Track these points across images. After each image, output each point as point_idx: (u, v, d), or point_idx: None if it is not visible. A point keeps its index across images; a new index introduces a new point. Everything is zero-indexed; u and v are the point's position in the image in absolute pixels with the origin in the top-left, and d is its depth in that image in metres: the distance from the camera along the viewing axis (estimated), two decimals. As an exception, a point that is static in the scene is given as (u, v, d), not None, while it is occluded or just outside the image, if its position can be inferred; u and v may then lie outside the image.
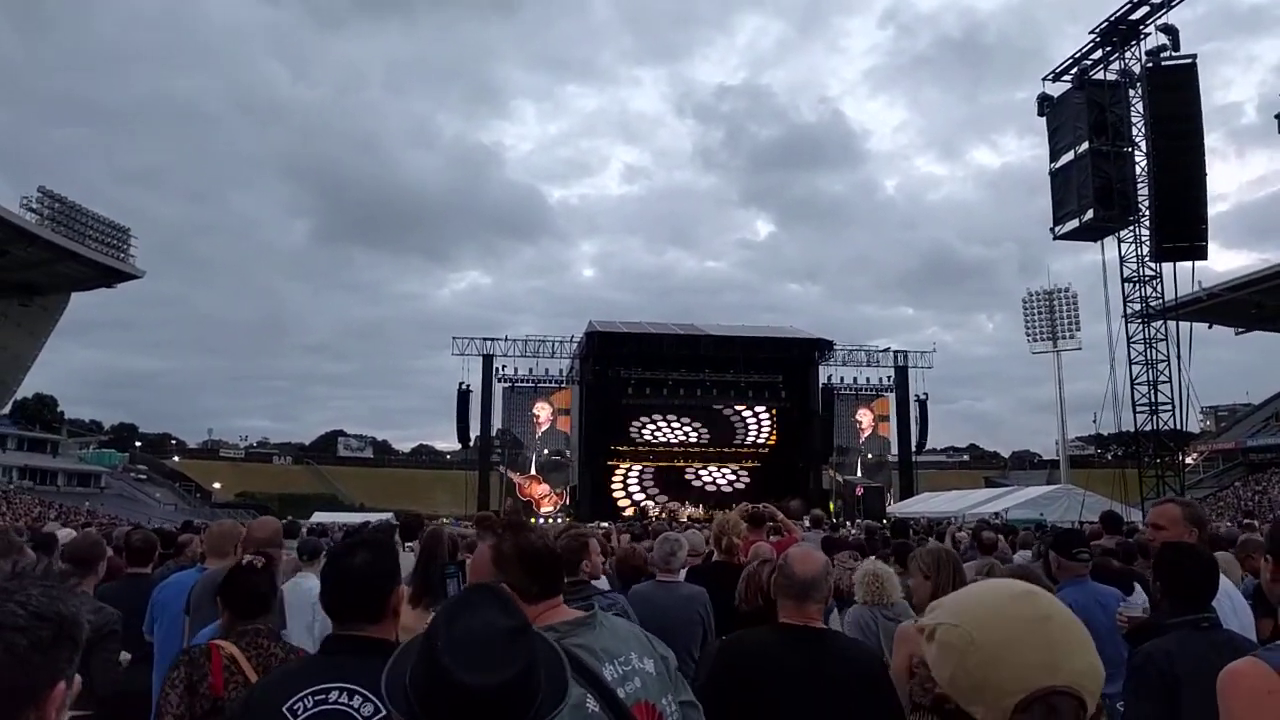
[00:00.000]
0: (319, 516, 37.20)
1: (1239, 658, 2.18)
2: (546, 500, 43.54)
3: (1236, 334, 51.10)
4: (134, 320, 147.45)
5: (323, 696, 1.93)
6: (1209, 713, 2.54)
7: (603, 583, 4.91)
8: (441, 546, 4.99)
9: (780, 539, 7.30)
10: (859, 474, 45.38)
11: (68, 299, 56.66)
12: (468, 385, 43.48)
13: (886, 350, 48.68)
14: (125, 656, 4.01)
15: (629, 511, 40.99)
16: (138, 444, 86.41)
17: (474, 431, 44.25)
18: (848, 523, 25.88)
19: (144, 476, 72.03)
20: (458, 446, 51.52)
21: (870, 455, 47.34)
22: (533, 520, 36.66)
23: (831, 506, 40.64)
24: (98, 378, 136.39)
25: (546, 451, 44.75)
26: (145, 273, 57.77)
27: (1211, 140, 31.84)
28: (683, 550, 5.17)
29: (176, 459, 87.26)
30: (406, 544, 7.15)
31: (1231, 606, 3.40)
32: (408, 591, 2.72)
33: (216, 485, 75.16)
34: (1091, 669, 1.06)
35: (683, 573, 5.19)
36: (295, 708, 1.92)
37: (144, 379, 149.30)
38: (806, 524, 10.93)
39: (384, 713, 1.88)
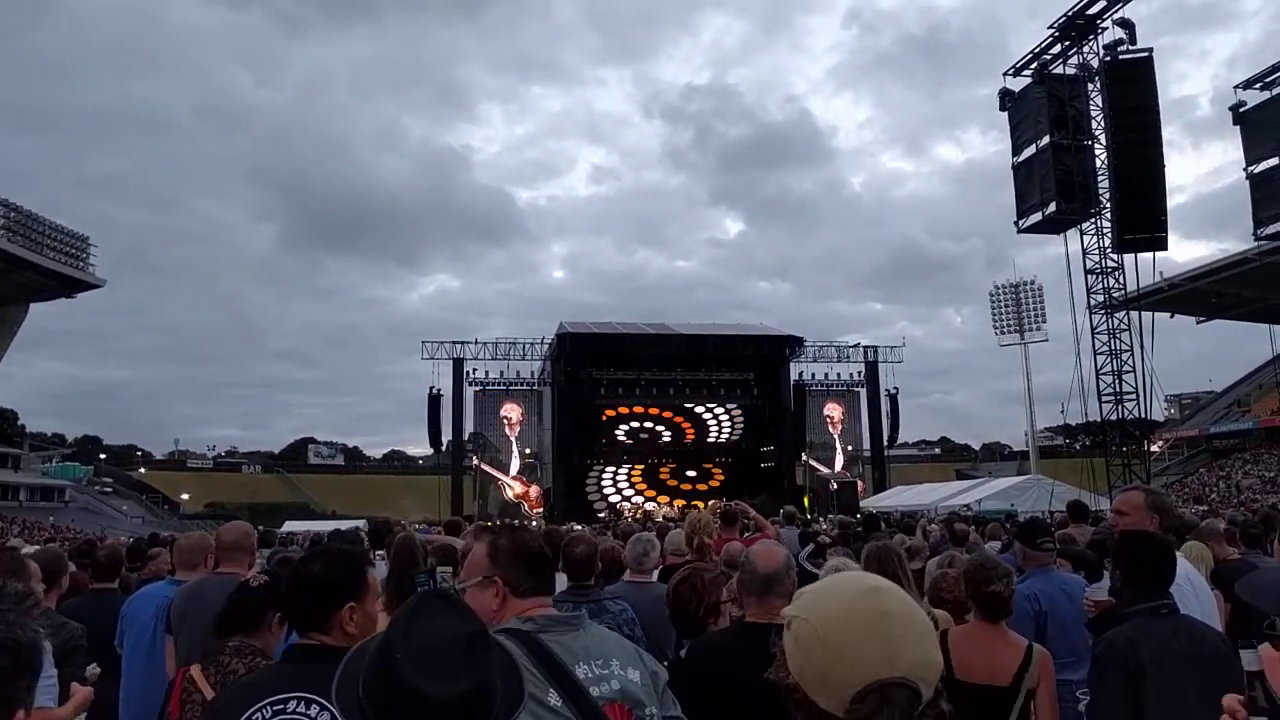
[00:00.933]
0: (290, 525, 36.66)
1: (1203, 642, 2.22)
2: (538, 502, 43.35)
3: (1198, 323, 51.97)
4: (96, 330, 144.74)
5: (281, 706, 1.93)
6: (1172, 697, 2.58)
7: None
8: (413, 553, 4.96)
9: (753, 536, 7.32)
10: (835, 469, 45.61)
11: (26, 310, 55.46)
12: (438, 389, 43.23)
13: (857, 346, 49.09)
14: (94, 670, 3.94)
15: (603, 513, 40.93)
16: (102, 456, 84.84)
17: (446, 435, 44.02)
18: (820, 519, 25.99)
19: (109, 489, 70.79)
20: (429, 451, 51.23)
21: (847, 449, 47.57)
22: (526, 521, 36.61)
23: (806, 502, 40.86)
24: (60, 390, 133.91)
25: (529, 451, 44.54)
26: (106, 282, 56.74)
27: (1168, 133, 32.68)
28: (655, 551, 5.16)
29: (143, 470, 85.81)
30: (377, 551, 7.11)
31: (1193, 591, 3.43)
32: (382, 600, 2.70)
33: (184, 496, 74.04)
34: (928, 661, 1.13)
35: (655, 573, 5.19)
36: (254, 718, 1.92)
37: (108, 390, 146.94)
38: (781, 520, 10.98)
39: None
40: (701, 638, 3.10)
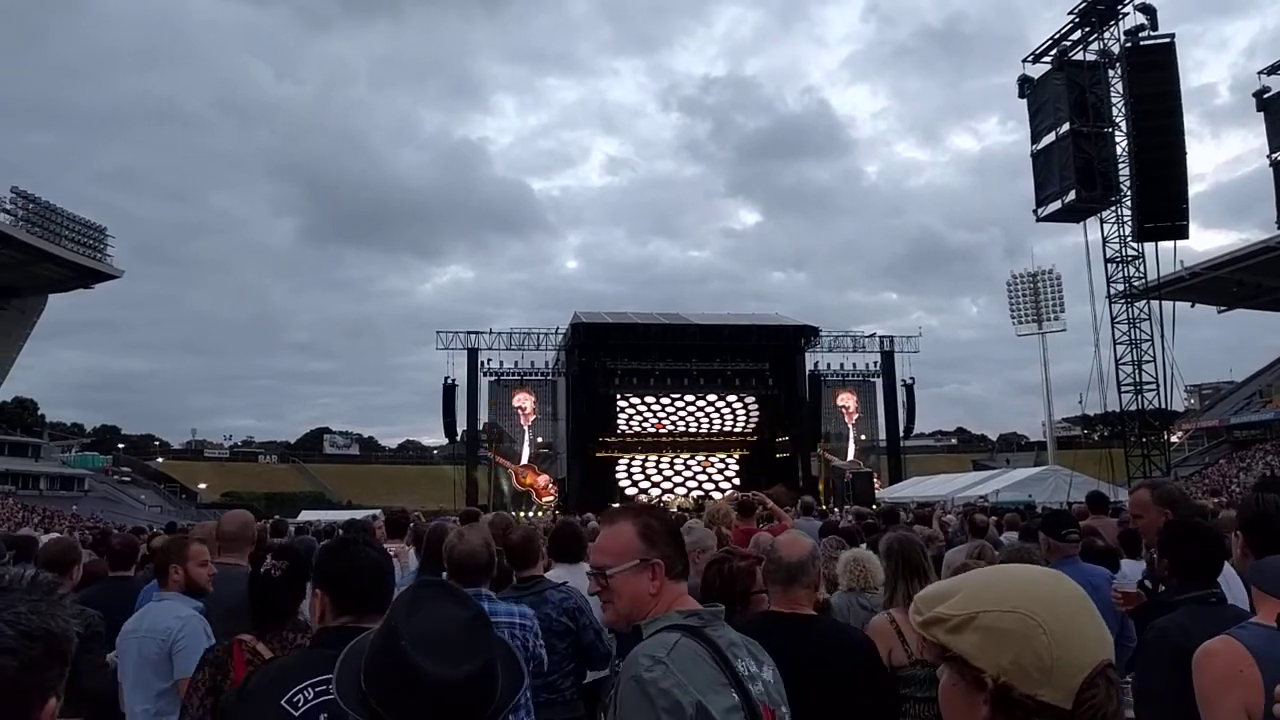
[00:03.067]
0: (306, 515, 37.01)
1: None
2: (546, 491, 43.38)
3: (1219, 312, 51.46)
4: (114, 321, 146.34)
5: (324, 688, 1.90)
6: None
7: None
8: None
9: (772, 526, 7.27)
10: (848, 459, 45.45)
11: (45, 301, 56.05)
12: (453, 379, 43.31)
13: (873, 336, 48.86)
14: (112, 657, 3.94)
15: (617, 504, 40.98)
16: (121, 446, 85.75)
17: (460, 426, 44.11)
18: (836, 509, 25.91)
19: (128, 479, 71.54)
20: (444, 441, 51.37)
21: (861, 439, 47.35)
22: (530, 512, 36.66)
23: (821, 490, 40.77)
24: (79, 380, 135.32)
25: (540, 440, 44.58)
26: (124, 273, 57.28)
27: (1187, 122, 32.16)
28: (709, 540, 5.10)
29: (160, 460, 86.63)
30: (395, 540, 7.17)
31: (1232, 582, 3.38)
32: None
33: (202, 486, 74.64)
34: (1111, 640, 1.12)
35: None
36: (296, 699, 1.91)
37: (126, 380, 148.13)
38: (798, 510, 10.90)
39: None
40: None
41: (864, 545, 6.20)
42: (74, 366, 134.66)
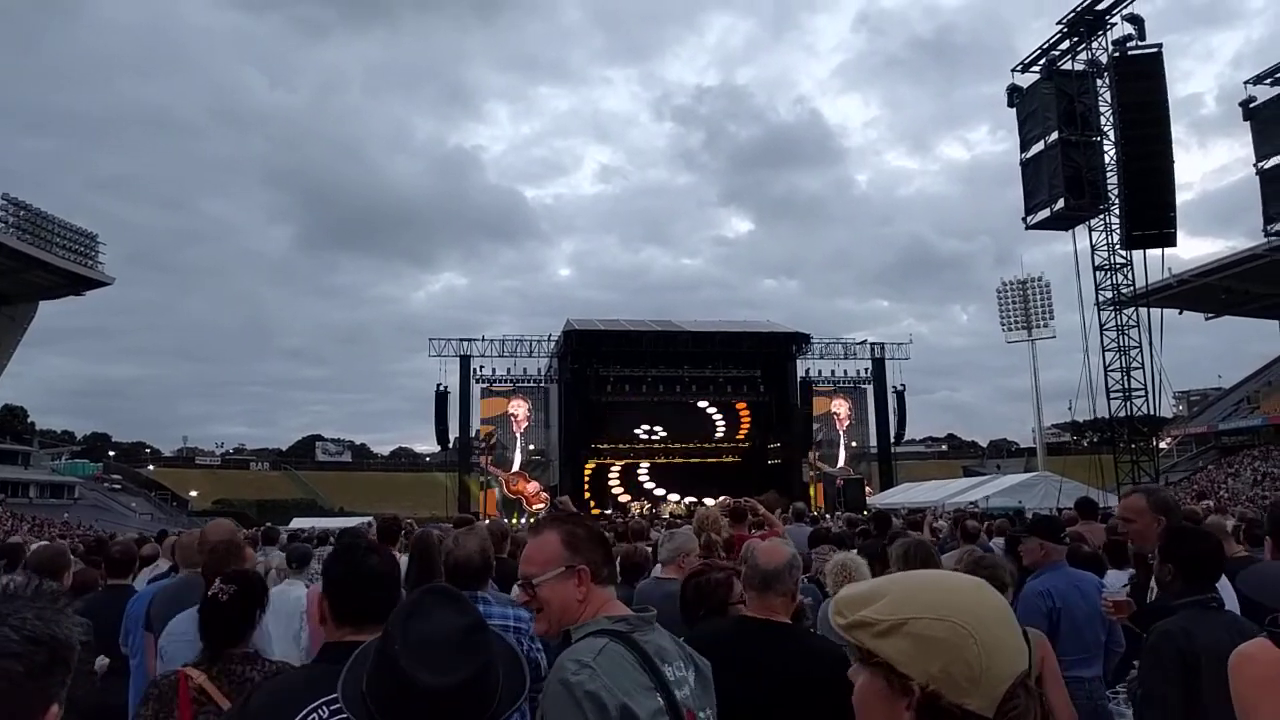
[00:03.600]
0: (298, 522, 36.85)
1: (1249, 638, 2.23)
2: (537, 498, 43.30)
3: (1206, 319, 51.72)
4: (106, 328, 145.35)
5: (338, 706, 1.81)
6: (1228, 690, 2.57)
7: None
8: (434, 551, 4.95)
9: (764, 532, 7.28)
10: (840, 465, 45.52)
11: (36, 308, 55.72)
12: (445, 387, 43.29)
13: (864, 342, 48.93)
14: (103, 661, 3.95)
15: (609, 510, 40.94)
16: (111, 453, 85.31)
17: (453, 433, 44.06)
18: (827, 515, 25.95)
19: (119, 486, 71.20)
20: (437, 448, 51.28)
21: (852, 445, 47.40)
22: (521, 519, 36.57)
23: (814, 494, 40.82)
24: (69, 387, 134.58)
25: (532, 447, 44.49)
26: (115, 280, 56.96)
27: (1175, 131, 32.29)
28: (694, 545, 5.08)
29: (151, 468, 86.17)
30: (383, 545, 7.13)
31: (1222, 587, 3.44)
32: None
33: (193, 493, 74.36)
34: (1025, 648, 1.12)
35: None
36: (310, 718, 1.85)
37: (117, 387, 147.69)
38: (790, 517, 10.92)
39: None
40: (697, 629, 3.07)
41: (855, 550, 6.23)
42: (65, 373, 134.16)
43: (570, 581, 1.99)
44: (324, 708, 1.83)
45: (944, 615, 1.07)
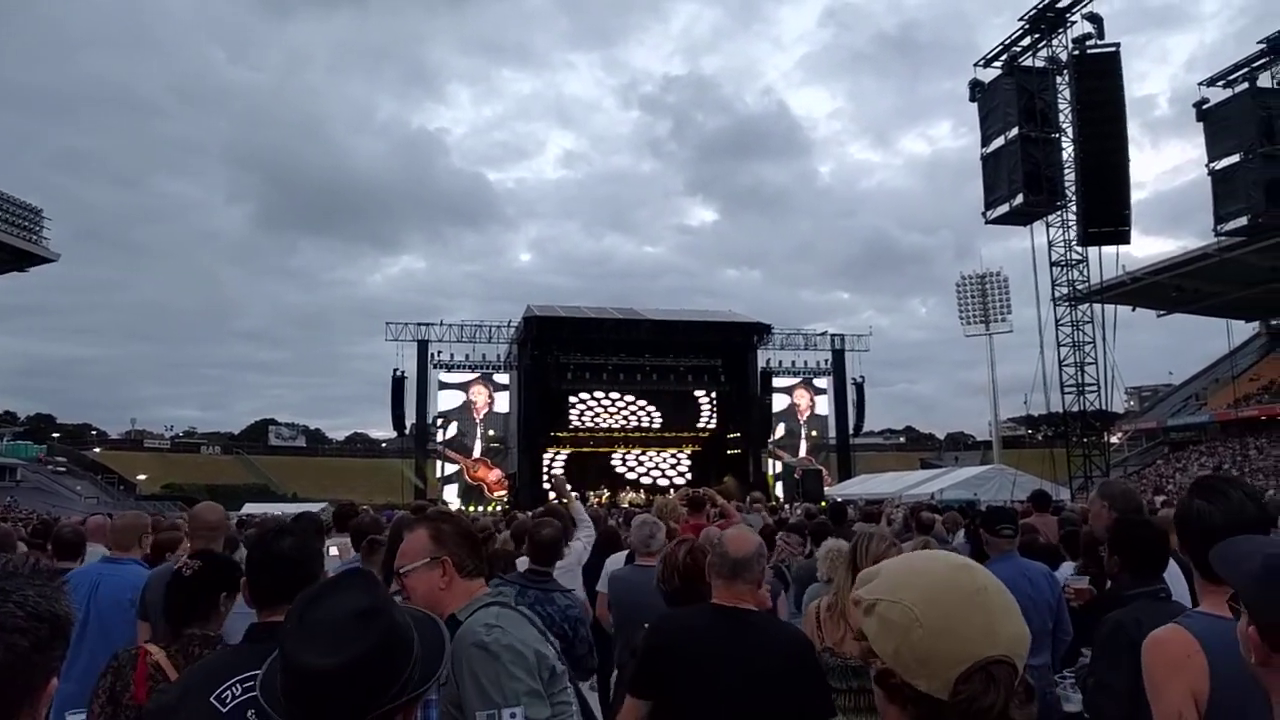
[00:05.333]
0: (250, 508, 36.18)
1: None
2: (499, 485, 42.87)
3: (1158, 316, 52.78)
4: (51, 306, 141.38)
5: (251, 684, 1.92)
6: None
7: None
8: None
9: (723, 522, 7.21)
10: (800, 456, 45.75)
11: (-24, 284, 54.00)
12: (402, 371, 42.64)
13: (824, 334, 49.22)
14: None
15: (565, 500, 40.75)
16: (55, 435, 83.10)
17: (409, 418, 43.46)
18: (786, 505, 26.02)
19: (63, 469, 69.30)
20: (393, 434, 50.61)
21: (812, 435, 47.64)
22: (480, 507, 36.19)
23: (771, 485, 41.04)
24: (11, 366, 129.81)
25: (492, 433, 44.01)
26: (60, 256, 55.30)
27: (1129, 131, 32.96)
28: (661, 533, 5.24)
29: (98, 450, 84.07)
30: (338, 533, 7.01)
31: (1174, 578, 3.46)
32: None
33: (141, 477, 72.67)
34: (1022, 635, 1.13)
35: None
36: (224, 696, 1.94)
37: (63, 367, 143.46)
38: (747, 506, 10.91)
39: None
40: (665, 615, 3.09)
41: (817, 541, 6.22)
42: (7, 352, 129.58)
43: (435, 572, 2.20)
44: (238, 685, 1.95)
45: (900, 598, 1.11)
